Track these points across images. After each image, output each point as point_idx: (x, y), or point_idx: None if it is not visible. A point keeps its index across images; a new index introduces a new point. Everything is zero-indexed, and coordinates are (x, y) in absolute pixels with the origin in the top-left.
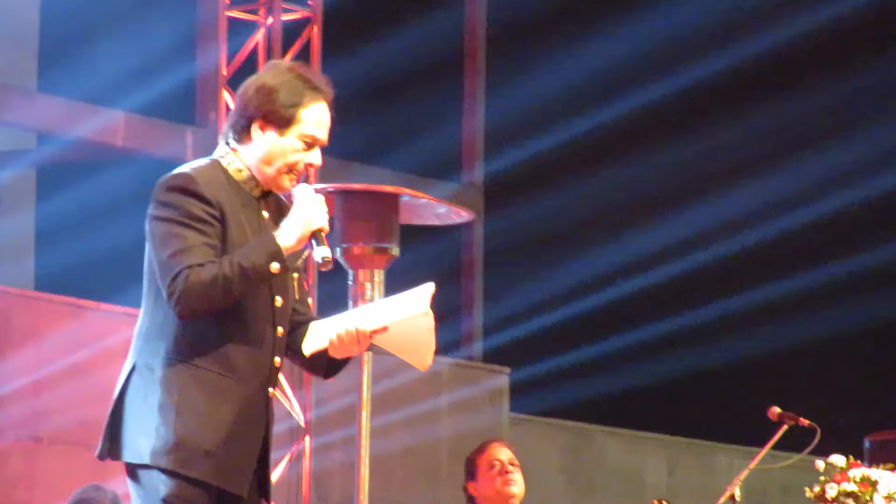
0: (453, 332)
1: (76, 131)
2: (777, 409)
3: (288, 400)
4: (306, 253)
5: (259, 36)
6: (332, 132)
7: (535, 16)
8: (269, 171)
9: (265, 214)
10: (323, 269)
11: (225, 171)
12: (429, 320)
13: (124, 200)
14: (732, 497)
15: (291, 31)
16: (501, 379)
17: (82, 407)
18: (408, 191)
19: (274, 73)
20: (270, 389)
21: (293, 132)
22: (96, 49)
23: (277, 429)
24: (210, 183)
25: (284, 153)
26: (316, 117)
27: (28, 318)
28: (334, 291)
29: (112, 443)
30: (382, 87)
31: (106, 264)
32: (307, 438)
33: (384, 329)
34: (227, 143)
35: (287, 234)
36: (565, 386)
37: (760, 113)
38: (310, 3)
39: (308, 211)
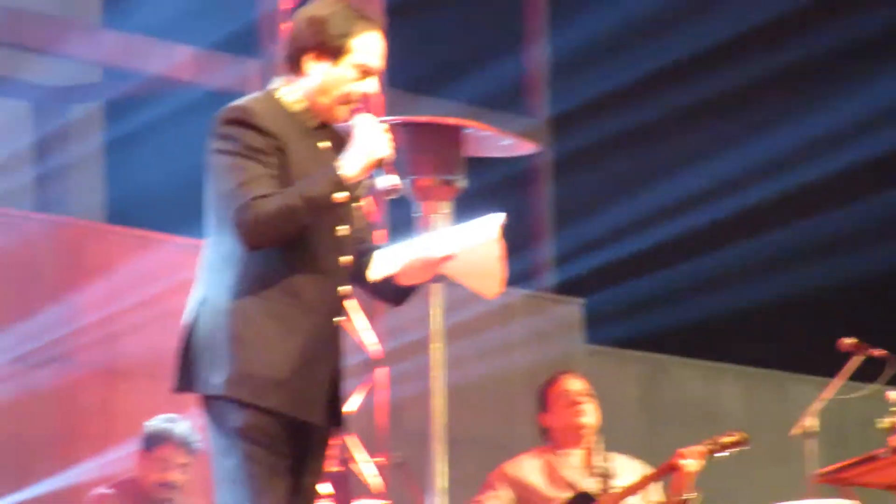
0: (524, 262)
1: (141, 65)
2: (847, 340)
3: (361, 331)
4: (369, 182)
5: None
6: (398, 63)
7: None
8: (325, 101)
9: (324, 145)
10: (389, 197)
11: (281, 103)
12: (497, 248)
13: (190, 132)
14: (808, 428)
15: None
16: (575, 309)
17: (155, 338)
18: (472, 123)
19: (324, 4)
20: (339, 318)
21: (346, 62)
22: None
23: (351, 360)
24: (267, 114)
25: (338, 83)
26: (368, 46)
27: (99, 249)
28: (401, 223)
29: (185, 375)
30: (448, 17)
31: (175, 196)
32: (382, 370)
33: (452, 256)
34: (282, 76)
35: (350, 164)
36: (640, 316)
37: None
38: None
39: (371, 140)
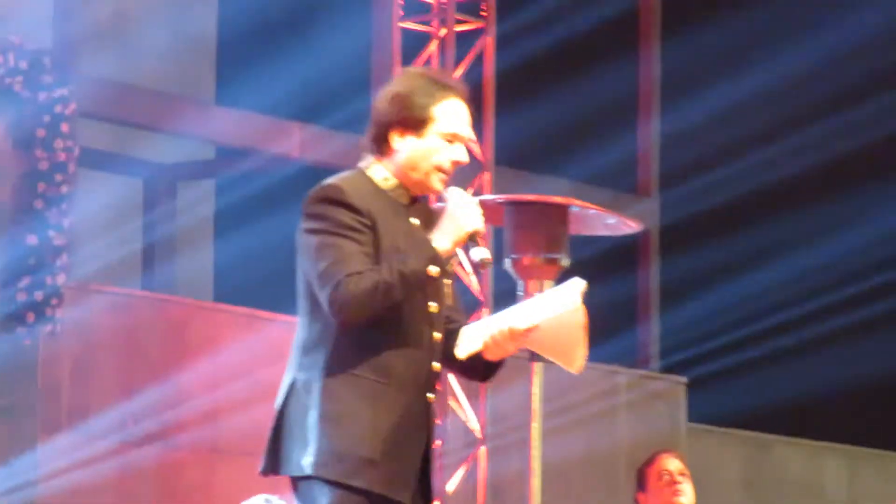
0: (630, 340)
1: (253, 143)
2: None
3: (463, 410)
4: (455, 260)
5: (433, 47)
6: (507, 142)
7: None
8: (416, 175)
9: (414, 221)
10: (481, 270)
11: (371, 181)
12: (580, 316)
13: (300, 210)
14: None
15: (465, 42)
16: (678, 388)
17: (258, 417)
18: (578, 202)
19: (403, 79)
20: (430, 395)
21: (431, 132)
22: (272, 61)
23: (453, 438)
24: (358, 192)
25: (427, 155)
26: (451, 113)
27: (204, 328)
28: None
29: (274, 457)
30: (559, 94)
31: (282, 274)
32: (483, 448)
33: (536, 327)
34: (371, 155)
35: (443, 238)
36: (743, 395)
37: None
38: (483, 14)
39: (462, 214)
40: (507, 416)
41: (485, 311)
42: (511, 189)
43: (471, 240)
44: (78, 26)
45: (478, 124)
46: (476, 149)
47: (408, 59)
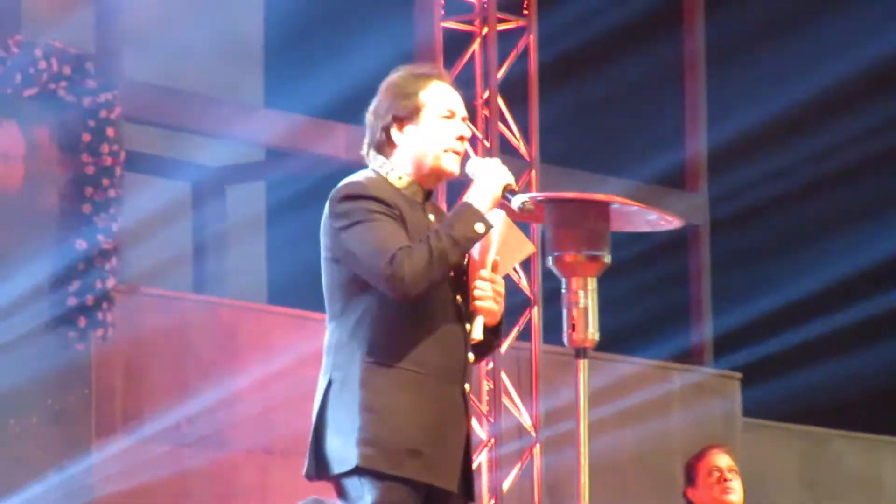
0: (684, 338)
1: (300, 144)
2: None
3: (517, 407)
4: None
5: (476, 46)
6: (553, 139)
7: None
8: (428, 161)
9: (431, 218)
10: (524, 214)
11: (386, 181)
12: (502, 218)
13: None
14: None
15: (508, 41)
16: (733, 384)
17: (310, 418)
18: (617, 198)
19: (383, 88)
20: (467, 386)
21: (426, 116)
22: (317, 63)
23: (507, 436)
24: (380, 188)
25: (432, 138)
26: (439, 94)
27: (256, 329)
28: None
29: (318, 459)
30: (603, 96)
31: None
32: (537, 446)
33: (495, 260)
34: (380, 157)
35: (479, 198)
36: (799, 390)
37: None
38: (525, 12)
39: (490, 172)
40: (562, 413)
41: (535, 309)
42: (558, 187)
43: (508, 193)
44: (120, 30)
45: (523, 122)
46: (521, 147)
47: (451, 58)
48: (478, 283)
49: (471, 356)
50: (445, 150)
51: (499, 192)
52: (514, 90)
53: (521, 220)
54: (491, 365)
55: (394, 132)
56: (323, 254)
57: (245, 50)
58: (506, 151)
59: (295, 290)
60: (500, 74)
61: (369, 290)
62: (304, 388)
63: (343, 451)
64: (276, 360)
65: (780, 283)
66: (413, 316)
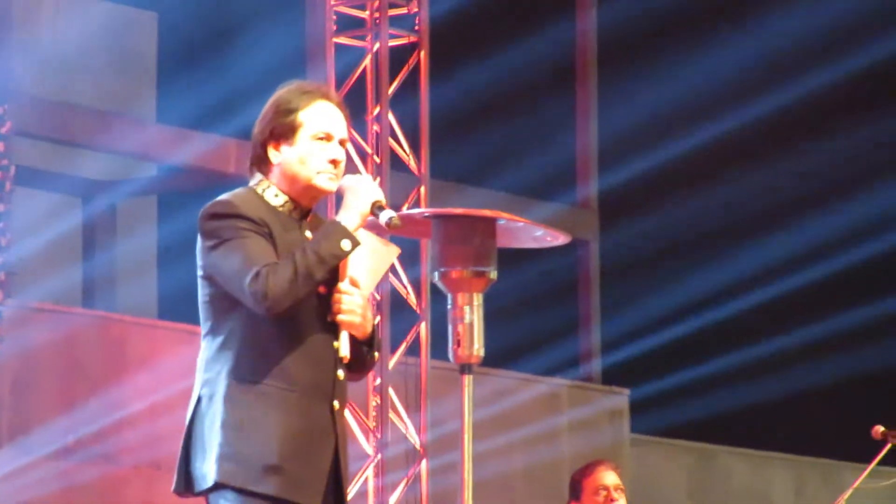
0: (571, 351)
1: (190, 158)
2: (880, 428)
3: (403, 422)
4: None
5: (367, 61)
6: (442, 154)
7: (646, 28)
8: (300, 182)
9: (309, 235)
10: (392, 230)
11: (262, 199)
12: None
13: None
14: None
15: (399, 56)
16: (621, 399)
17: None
18: (504, 214)
19: (271, 99)
20: (336, 404)
21: (301, 136)
22: (210, 80)
23: (393, 451)
24: (250, 204)
25: (303, 160)
26: (319, 114)
27: (145, 344)
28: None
29: (185, 475)
30: (492, 107)
31: None
32: (423, 462)
33: (355, 279)
34: (257, 174)
35: (348, 214)
36: (687, 405)
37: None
38: (416, 28)
39: (361, 188)
40: (449, 428)
41: (423, 324)
42: (448, 203)
43: (377, 209)
44: (12, 43)
45: (414, 138)
46: (412, 162)
47: (343, 73)
48: (336, 296)
49: (340, 373)
50: (318, 173)
51: (367, 209)
52: (405, 107)
53: (392, 233)
54: (378, 380)
55: (270, 150)
56: (198, 272)
57: (138, 64)
58: (396, 167)
59: (186, 304)
60: (391, 90)
61: (238, 307)
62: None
63: (205, 467)
64: (165, 374)
65: (667, 292)
66: (281, 333)
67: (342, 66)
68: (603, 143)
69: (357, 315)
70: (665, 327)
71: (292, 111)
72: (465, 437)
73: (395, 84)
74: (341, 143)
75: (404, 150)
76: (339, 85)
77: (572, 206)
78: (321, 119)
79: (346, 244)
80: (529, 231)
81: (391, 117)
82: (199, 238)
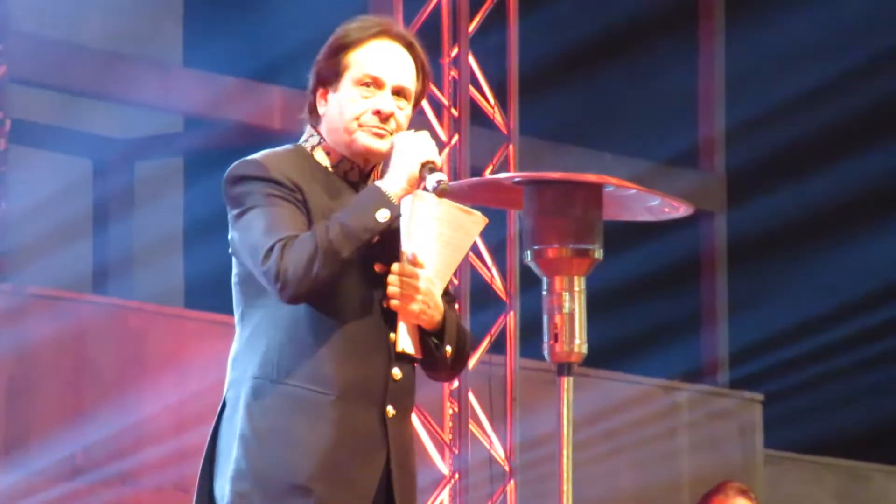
0: (692, 349)
1: (227, 112)
2: None
3: (486, 435)
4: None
5: None
6: (535, 107)
7: None
8: (342, 136)
9: None
10: (441, 197)
11: (310, 158)
12: (428, 198)
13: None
14: None
15: None
16: (753, 408)
17: None
18: (612, 179)
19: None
20: (391, 409)
21: (345, 81)
22: (247, 16)
23: (475, 470)
24: (284, 164)
25: (342, 108)
26: (369, 55)
27: (169, 340)
28: (530, 305)
29: (207, 498)
30: (595, 51)
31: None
32: (511, 482)
33: (416, 257)
34: (307, 127)
35: (393, 177)
36: (833, 416)
37: None
38: None
39: (412, 146)
40: (542, 443)
41: (511, 314)
42: (541, 166)
43: (426, 171)
44: None
45: (501, 87)
46: (497, 116)
47: (412, 8)
48: (389, 278)
49: (396, 372)
50: (360, 126)
51: (416, 170)
52: (489, 49)
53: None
54: (456, 384)
55: (319, 102)
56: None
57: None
58: (478, 122)
59: (218, 290)
60: (472, 27)
61: (267, 291)
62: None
63: (221, 487)
64: (193, 376)
65: (812, 284)
66: (319, 322)
67: (410, 7)
68: (732, 95)
69: (416, 301)
70: (807, 322)
71: (341, 50)
72: (564, 452)
73: (477, 20)
74: (398, 92)
75: (488, 102)
76: (407, 22)
77: (696, 171)
78: (370, 60)
79: (382, 214)
80: (643, 200)
81: (472, 61)
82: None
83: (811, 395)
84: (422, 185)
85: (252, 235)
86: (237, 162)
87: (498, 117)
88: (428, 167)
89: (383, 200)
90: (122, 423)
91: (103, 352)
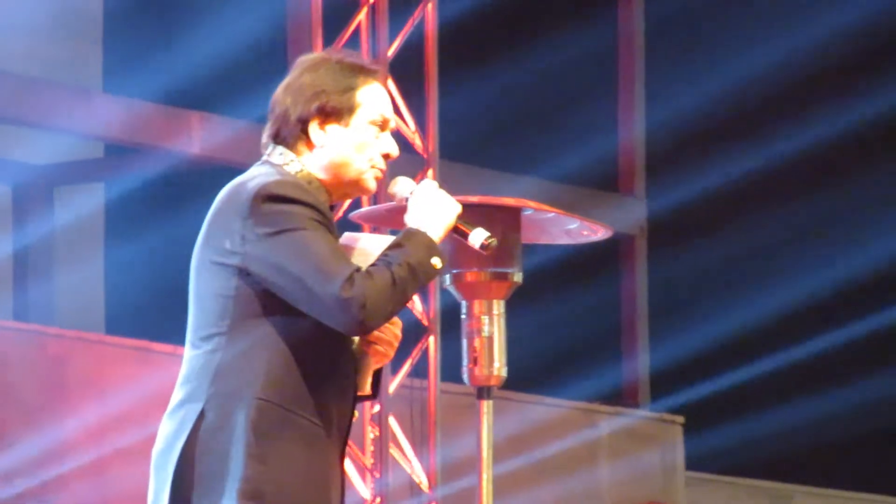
0: (613, 377)
1: (148, 138)
2: None
3: (407, 460)
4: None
5: (362, 16)
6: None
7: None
8: (349, 173)
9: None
10: (487, 253)
11: (307, 184)
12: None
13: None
14: None
15: (401, 11)
16: (674, 430)
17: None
18: (531, 203)
19: (309, 66)
20: (346, 445)
21: (359, 119)
22: (168, 42)
23: (396, 495)
24: (309, 192)
25: (361, 147)
26: (378, 95)
27: (90, 365)
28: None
29: None
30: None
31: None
32: None
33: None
34: (286, 152)
35: (433, 228)
36: (753, 437)
37: None
38: None
39: (442, 199)
40: (464, 466)
41: (432, 338)
42: (459, 189)
43: (464, 226)
44: None
45: (419, 109)
46: (417, 140)
47: (331, 32)
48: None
49: (356, 412)
50: (372, 167)
51: (453, 223)
52: (407, 72)
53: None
54: (377, 408)
55: (313, 128)
56: (210, 257)
57: (81, 25)
58: (398, 146)
59: (138, 317)
60: (392, 52)
61: (271, 311)
62: (148, 434)
63: (217, 500)
64: (114, 401)
65: (730, 307)
66: (321, 355)
67: (331, 23)
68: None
69: (393, 348)
70: (727, 344)
71: (350, 88)
72: (483, 475)
73: (396, 43)
74: (391, 132)
75: (408, 126)
76: (327, 42)
77: (614, 194)
78: (381, 101)
79: (437, 261)
80: (562, 223)
81: (392, 84)
82: (232, 219)
83: (731, 416)
84: (467, 241)
85: (313, 258)
86: (268, 181)
87: (417, 142)
88: (464, 221)
89: (434, 248)
90: (43, 447)
91: (24, 377)
